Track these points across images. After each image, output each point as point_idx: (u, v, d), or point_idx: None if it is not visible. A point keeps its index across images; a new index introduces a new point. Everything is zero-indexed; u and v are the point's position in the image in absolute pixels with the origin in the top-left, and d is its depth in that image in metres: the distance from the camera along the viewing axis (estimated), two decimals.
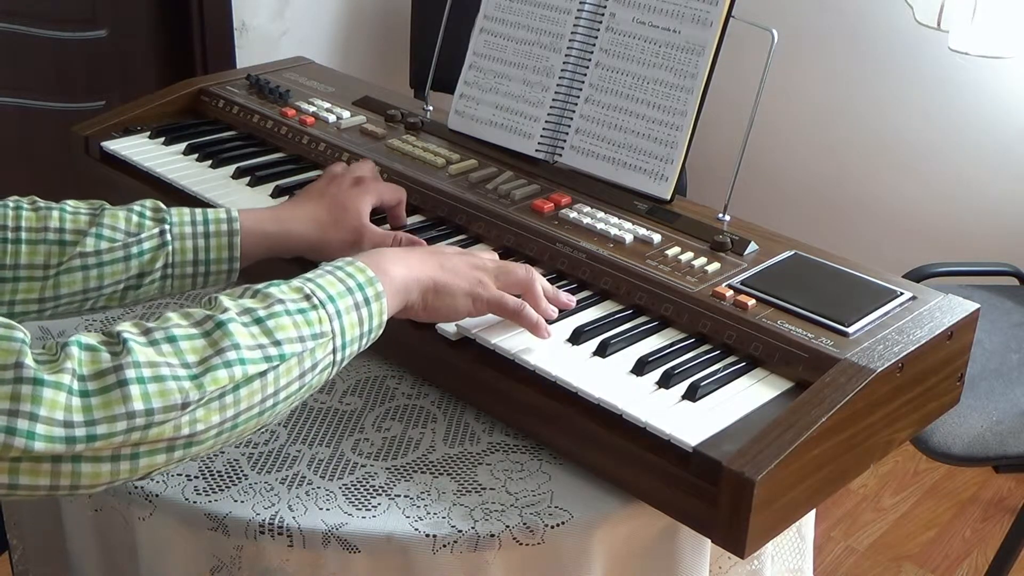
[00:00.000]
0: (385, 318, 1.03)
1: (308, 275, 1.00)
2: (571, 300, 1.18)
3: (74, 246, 1.13)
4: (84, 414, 0.84)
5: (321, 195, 1.27)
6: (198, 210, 1.20)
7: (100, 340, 0.89)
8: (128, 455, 0.87)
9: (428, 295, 1.08)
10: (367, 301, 1.00)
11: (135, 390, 0.85)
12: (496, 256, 1.19)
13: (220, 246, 1.19)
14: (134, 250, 1.15)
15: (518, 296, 1.13)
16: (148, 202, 1.19)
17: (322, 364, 0.97)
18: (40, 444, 0.82)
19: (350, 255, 1.25)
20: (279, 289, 0.97)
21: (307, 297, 0.97)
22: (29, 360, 0.84)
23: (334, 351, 0.98)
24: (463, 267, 1.11)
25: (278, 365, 0.93)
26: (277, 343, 0.93)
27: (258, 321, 0.93)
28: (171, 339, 0.90)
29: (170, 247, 1.17)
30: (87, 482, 0.87)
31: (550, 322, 1.15)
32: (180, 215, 1.18)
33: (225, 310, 0.93)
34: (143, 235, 1.16)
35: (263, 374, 0.92)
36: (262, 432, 1.15)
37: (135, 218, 1.16)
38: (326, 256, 1.26)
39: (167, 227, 1.17)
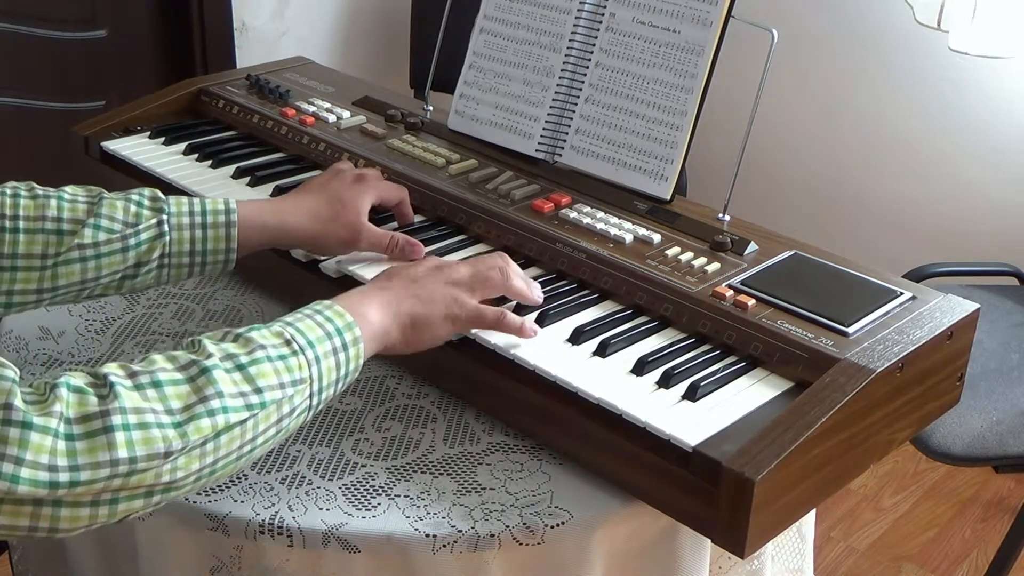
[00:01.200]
0: (362, 362, 1.03)
1: (287, 318, 1.00)
2: (540, 297, 1.18)
3: (72, 236, 1.13)
4: (68, 458, 0.84)
5: (322, 189, 1.27)
6: (196, 200, 1.20)
7: (87, 382, 0.88)
8: (108, 500, 0.87)
9: (407, 331, 1.08)
10: (345, 346, 1.00)
11: (120, 437, 0.85)
12: (471, 259, 1.17)
13: (217, 237, 1.19)
14: (132, 241, 1.15)
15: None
16: (146, 191, 1.19)
17: (299, 408, 0.97)
18: (24, 488, 0.82)
19: (346, 252, 1.26)
20: (260, 334, 0.97)
21: (287, 343, 0.97)
22: (18, 401, 0.84)
23: (311, 395, 0.98)
24: (438, 291, 1.10)
25: (258, 413, 0.93)
26: (259, 390, 0.93)
27: (240, 368, 0.93)
28: (156, 384, 0.90)
29: (167, 237, 1.17)
30: (66, 526, 0.87)
31: (544, 322, 1.15)
32: (178, 205, 1.18)
33: (209, 355, 0.93)
34: (141, 226, 1.16)
35: (244, 422, 0.92)
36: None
37: (133, 208, 1.16)
38: (322, 250, 1.26)
39: (165, 217, 1.17)
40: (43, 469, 0.83)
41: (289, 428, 0.98)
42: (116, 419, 0.86)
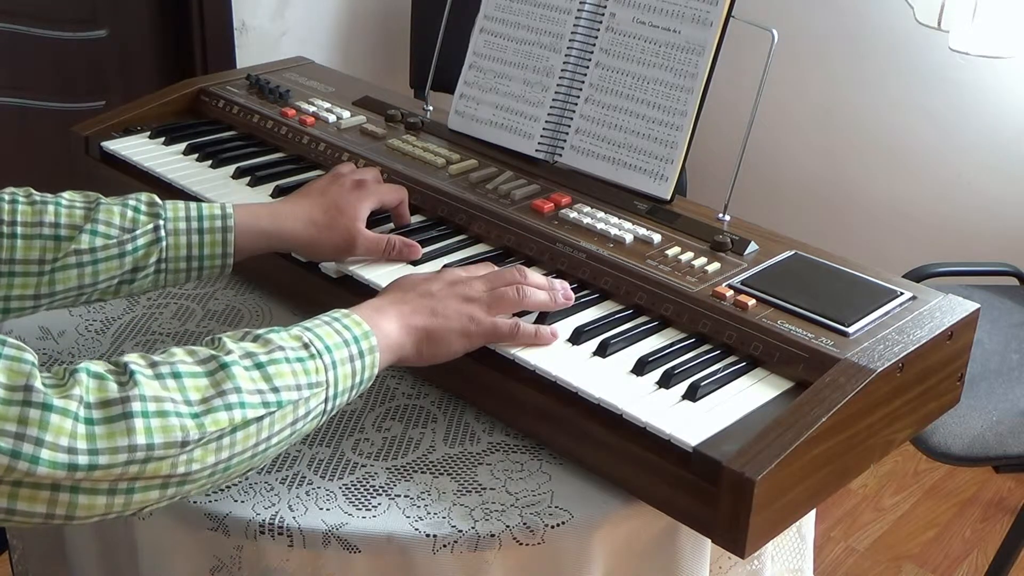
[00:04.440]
0: (376, 371, 1.03)
1: (306, 324, 1.01)
2: (564, 285, 1.18)
3: (69, 241, 1.13)
4: (88, 442, 0.85)
5: (321, 194, 1.28)
6: (193, 204, 1.20)
7: (107, 369, 0.90)
8: (124, 489, 0.88)
9: (422, 345, 1.09)
10: (361, 354, 1.01)
11: (139, 423, 0.86)
12: (488, 274, 1.16)
13: (214, 242, 1.19)
14: (128, 247, 1.15)
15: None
16: (143, 196, 1.19)
17: (314, 412, 0.98)
18: (43, 468, 0.83)
19: (342, 258, 1.26)
20: (279, 336, 0.98)
21: (306, 346, 0.98)
22: (38, 383, 0.85)
23: (326, 400, 0.99)
24: (453, 306, 1.10)
25: (274, 411, 0.94)
26: (276, 389, 0.94)
27: (259, 366, 0.94)
28: (176, 375, 0.91)
29: (164, 243, 1.17)
30: (82, 513, 0.87)
31: (544, 323, 1.15)
32: (175, 210, 1.19)
33: (228, 352, 0.94)
34: (138, 231, 1.16)
35: (260, 419, 0.93)
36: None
37: (130, 213, 1.16)
38: (318, 256, 1.26)
39: (161, 222, 1.17)
40: (63, 451, 0.84)
41: (303, 431, 0.99)
42: (136, 406, 0.87)
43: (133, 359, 0.91)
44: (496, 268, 1.19)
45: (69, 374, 0.88)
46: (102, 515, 0.89)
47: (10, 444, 0.82)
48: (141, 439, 0.86)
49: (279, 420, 0.95)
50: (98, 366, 0.89)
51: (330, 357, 0.98)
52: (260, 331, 0.99)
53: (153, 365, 0.91)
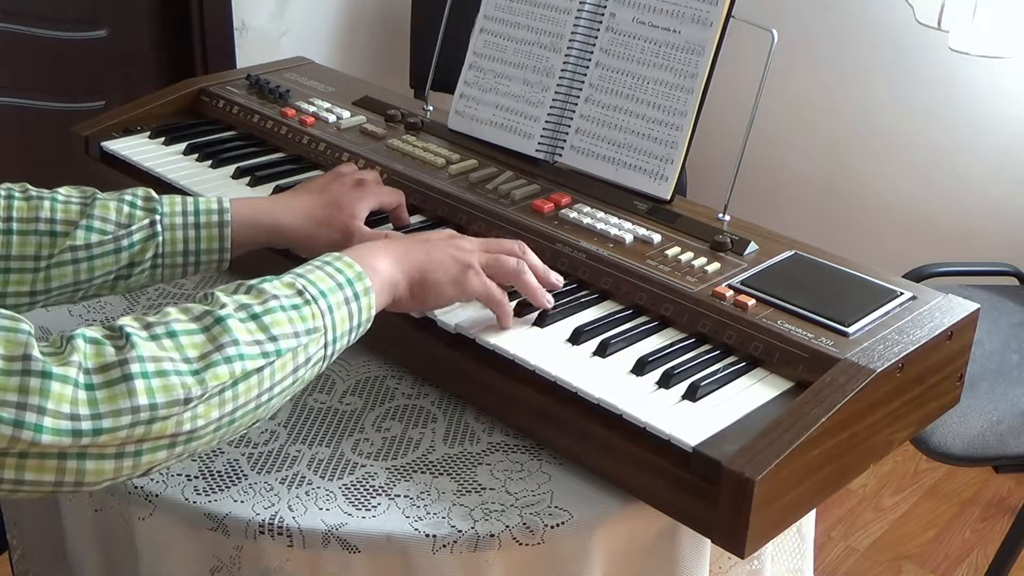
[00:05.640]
0: (374, 312, 1.04)
1: (298, 270, 1.01)
2: (559, 280, 1.19)
3: (65, 237, 1.13)
4: (90, 407, 0.85)
5: (321, 191, 1.28)
6: (190, 199, 1.20)
7: (103, 334, 0.89)
8: (132, 452, 0.88)
9: (415, 286, 1.09)
10: (356, 296, 1.01)
11: (140, 384, 0.86)
12: (488, 239, 1.19)
13: (211, 237, 1.19)
14: (124, 242, 1.15)
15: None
16: (140, 191, 1.19)
17: (315, 358, 0.98)
18: (47, 437, 0.83)
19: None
20: (272, 285, 0.98)
21: (299, 293, 0.98)
22: (36, 352, 0.84)
23: (326, 345, 0.99)
24: (449, 252, 1.12)
25: (274, 360, 0.94)
26: (273, 339, 0.94)
27: (254, 317, 0.94)
28: (172, 334, 0.90)
29: (160, 238, 1.17)
30: (91, 479, 0.87)
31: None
32: (171, 204, 1.18)
33: (223, 306, 0.94)
34: (134, 226, 1.16)
35: (260, 369, 0.93)
36: (262, 432, 1.15)
37: (126, 208, 1.16)
38: (313, 252, 1.26)
39: (158, 218, 1.17)
40: (65, 418, 0.83)
41: (306, 378, 0.99)
42: (135, 367, 0.87)
43: (127, 322, 0.91)
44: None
45: (66, 341, 0.87)
46: (112, 479, 0.89)
47: (12, 414, 0.82)
48: (143, 399, 0.86)
49: (280, 369, 0.94)
50: (94, 331, 0.89)
51: (325, 302, 0.98)
52: (252, 282, 0.98)
53: (148, 327, 0.91)
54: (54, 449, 0.84)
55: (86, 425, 0.84)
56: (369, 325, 1.04)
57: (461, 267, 1.11)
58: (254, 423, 0.97)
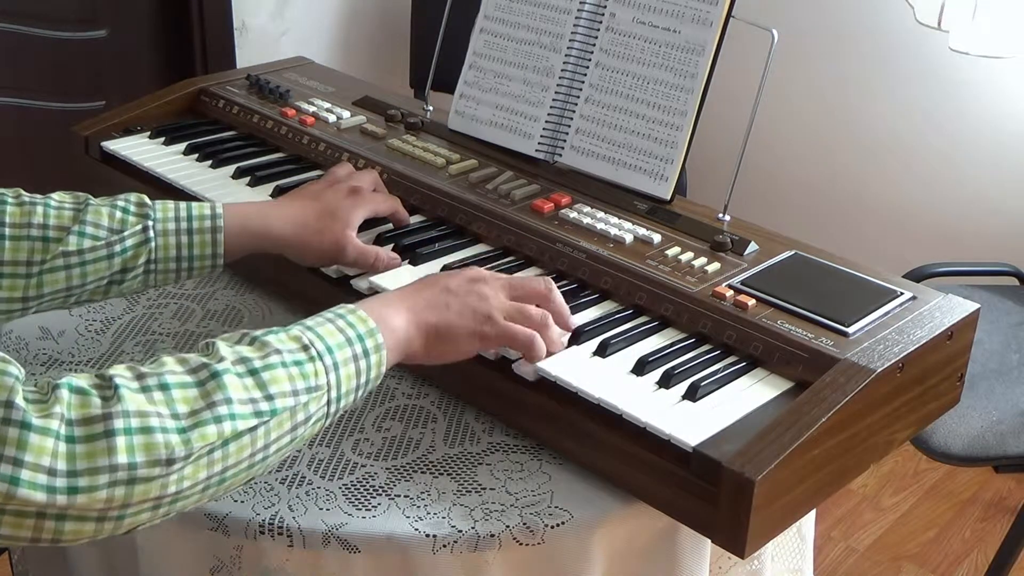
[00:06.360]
0: (384, 369, 1.00)
1: (307, 322, 0.98)
2: (575, 324, 1.15)
3: (57, 243, 1.13)
4: (67, 462, 0.82)
5: (315, 198, 1.27)
6: (183, 204, 1.19)
7: (92, 384, 0.86)
8: (115, 516, 0.85)
9: (430, 342, 1.05)
10: (366, 353, 0.97)
11: (121, 441, 0.83)
12: (514, 281, 1.13)
13: (203, 243, 1.18)
14: (117, 248, 1.15)
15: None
16: (132, 196, 1.18)
17: (315, 416, 0.94)
18: (23, 490, 0.80)
19: (329, 264, 1.24)
20: (277, 338, 0.94)
21: (305, 348, 0.94)
22: (19, 400, 0.82)
23: (328, 403, 0.95)
24: (470, 304, 1.07)
25: (268, 420, 0.90)
26: (269, 397, 0.90)
27: (252, 373, 0.91)
28: (164, 387, 0.87)
29: (153, 243, 1.16)
30: (70, 537, 0.84)
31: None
32: (164, 210, 1.18)
33: (221, 359, 0.91)
34: (126, 232, 1.15)
35: (253, 429, 0.89)
36: None
37: (118, 214, 1.16)
38: (305, 260, 1.25)
39: (150, 223, 1.16)
40: (43, 472, 0.81)
41: (305, 436, 0.95)
42: (118, 423, 0.83)
43: (120, 371, 0.88)
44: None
45: (52, 389, 0.85)
46: (91, 537, 0.86)
47: None
48: (122, 458, 0.82)
49: (275, 428, 0.91)
50: (82, 380, 0.86)
51: (331, 358, 0.95)
52: (258, 333, 0.95)
53: (140, 377, 0.87)
54: (32, 508, 0.81)
55: (60, 482, 0.81)
56: (379, 381, 1.00)
57: (481, 319, 1.07)
58: (249, 479, 0.93)
